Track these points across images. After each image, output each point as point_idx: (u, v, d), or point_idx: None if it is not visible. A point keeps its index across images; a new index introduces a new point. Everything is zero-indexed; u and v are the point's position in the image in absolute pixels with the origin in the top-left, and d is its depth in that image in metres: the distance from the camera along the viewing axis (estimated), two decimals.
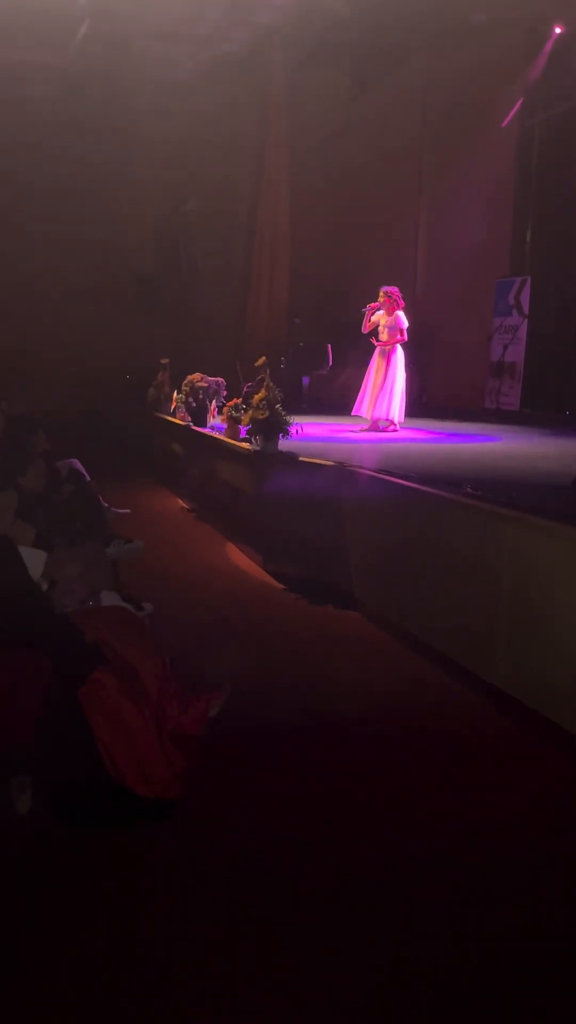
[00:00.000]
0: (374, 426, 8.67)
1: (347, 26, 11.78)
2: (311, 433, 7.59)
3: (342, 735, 3.56)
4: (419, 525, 4.66)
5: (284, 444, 6.32)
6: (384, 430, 8.63)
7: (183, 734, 2.84)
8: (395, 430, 8.68)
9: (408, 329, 8.69)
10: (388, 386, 8.63)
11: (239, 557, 6.42)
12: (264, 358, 6.48)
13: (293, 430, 6.33)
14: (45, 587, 3.31)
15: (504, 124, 11.62)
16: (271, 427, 6.22)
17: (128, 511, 6.71)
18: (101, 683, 2.67)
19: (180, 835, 2.74)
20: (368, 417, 8.72)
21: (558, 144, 11.32)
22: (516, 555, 3.79)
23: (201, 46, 12.27)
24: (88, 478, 5.88)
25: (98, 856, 2.62)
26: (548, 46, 11.12)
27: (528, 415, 10.82)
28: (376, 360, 8.77)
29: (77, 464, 5.96)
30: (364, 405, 8.76)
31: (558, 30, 10.96)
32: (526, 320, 11.30)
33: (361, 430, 8.70)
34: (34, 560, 3.34)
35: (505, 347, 11.34)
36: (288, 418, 6.29)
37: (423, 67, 12.43)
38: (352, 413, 8.95)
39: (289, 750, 3.39)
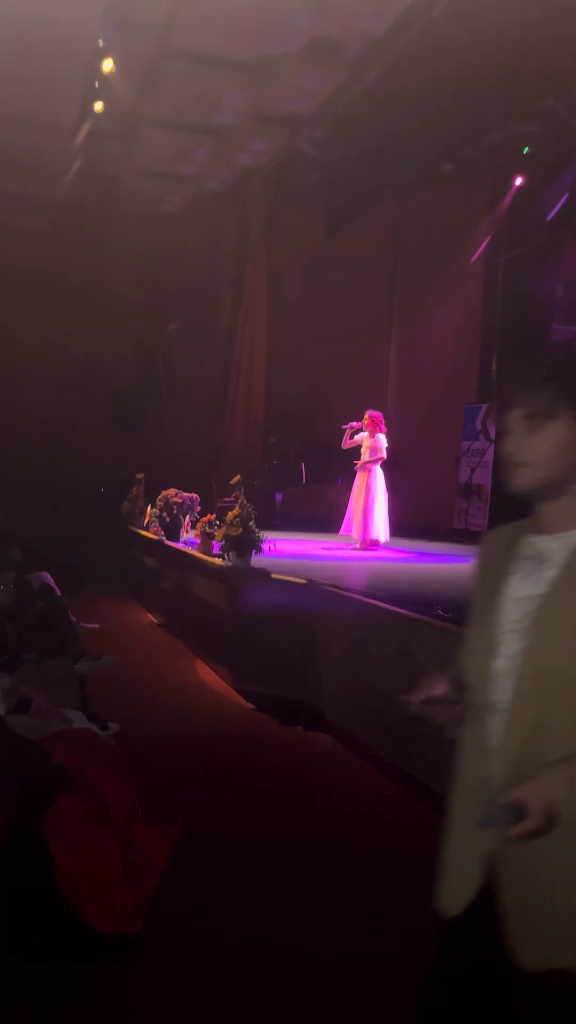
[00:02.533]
0: (364, 545, 8.82)
1: (322, 170, 12.59)
2: (284, 550, 7.66)
3: (310, 859, 3.45)
4: (389, 645, 4.66)
5: (257, 561, 6.35)
6: (366, 548, 8.78)
7: (149, 862, 2.74)
8: (376, 548, 8.83)
9: (388, 449, 9.00)
10: (369, 505, 8.85)
11: (208, 675, 6.34)
12: (239, 476, 6.61)
13: (266, 547, 6.38)
14: (3, 711, 3.22)
15: (472, 260, 12.34)
16: (244, 543, 6.26)
17: (96, 625, 6.64)
18: (66, 808, 2.59)
19: (144, 971, 2.60)
20: (357, 536, 8.89)
21: (521, 281, 11.99)
22: None
23: (186, 184, 13.01)
24: (59, 592, 5.85)
25: (53, 994, 2.48)
26: (509, 196, 11.95)
27: None
28: (358, 480, 9.03)
29: (48, 578, 5.93)
30: (352, 524, 8.95)
31: (519, 181, 11.82)
32: (492, 445, 11.66)
33: (351, 549, 8.84)
34: None
35: (472, 470, 11.64)
36: (261, 534, 6.35)
37: (393, 209, 13.25)
38: (340, 532, 9.13)
39: (257, 876, 3.28)
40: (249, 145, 12.01)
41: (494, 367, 12.72)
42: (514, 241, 12.17)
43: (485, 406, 12.12)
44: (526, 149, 11.54)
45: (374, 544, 8.81)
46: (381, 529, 8.83)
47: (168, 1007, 2.47)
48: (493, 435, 11.70)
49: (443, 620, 4.41)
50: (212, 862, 3.31)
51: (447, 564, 8.34)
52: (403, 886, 3.27)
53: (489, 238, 12.23)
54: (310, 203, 13.68)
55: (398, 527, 10.01)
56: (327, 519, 11.06)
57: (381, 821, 3.91)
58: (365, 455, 8.94)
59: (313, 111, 10.87)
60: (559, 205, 10.95)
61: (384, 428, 9.04)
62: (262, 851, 3.48)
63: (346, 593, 5.42)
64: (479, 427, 12.00)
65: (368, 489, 8.86)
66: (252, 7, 8.54)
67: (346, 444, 9.07)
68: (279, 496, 12.47)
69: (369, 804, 4.11)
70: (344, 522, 8.99)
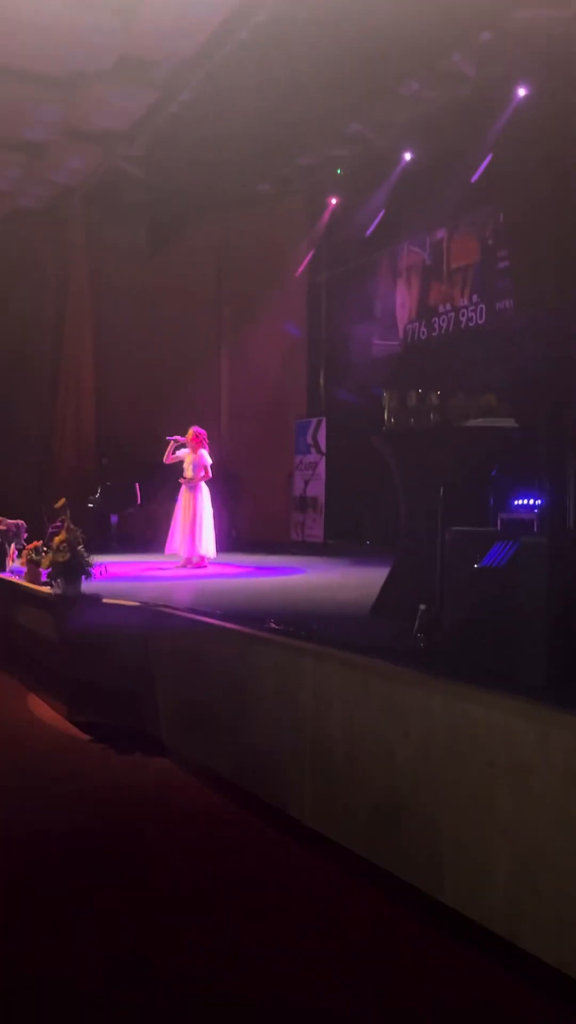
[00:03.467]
0: (188, 562, 8.68)
1: (143, 188, 12.51)
2: (118, 572, 7.46)
3: (151, 895, 3.33)
4: (224, 662, 4.61)
5: (88, 586, 6.14)
6: (196, 566, 8.66)
7: None
8: (205, 566, 8.73)
9: (212, 466, 8.92)
10: (197, 522, 8.73)
11: (41, 708, 6.06)
12: (64, 499, 6.36)
13: (96, 571, 6.18)
14: None
15: (297, 275, 12.62)
16: (72, 569, 6.04)
17: None
18: None
19: None
20: (181, 554, 8.73)
21: (342, 298, 12.38)
22: (316, 688, 3.82)
23: None
24: None
25: None
26: (326, 215, 12.35)
27: (331, 546, 11.26)
28: (183, 497, 8.88)
29: None
30: (176, 541, 8.78)
31: (333, 201, 12.22)
32: (324, 457, 11.94)
33: (176, 567, 8.67)
34: None
35: (306, 482, 11.89)
36: (91, 559, 6.15)
37: (216, 227, 13.35)
38: (165, 551, 8.94)
39: (92, 920, 3.12)
40: (64, 162, 11.77)
41: (322, 382, 13.07)
42: (335, 259, 12.58)
43: (315, 420, 12.42)
44: (339, 171, 11.95)
45: (201, 561, 8.74)
46: (210, 545, 8.78)
47: None
48: (324, 448, 11.98)
49: (275, 633, 4.42)
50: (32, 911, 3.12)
51: (280, 577, 8.42)
52: (245, 915, 3.21)
53: (312, 253, 12.58)
54: (133, 222, 13.54)
55: (237, 541, 10.06)
56: (164, 540, 10.90)
57: (219, 845, 3.84)
58: (188, 471, 8.87)
59: (128, 129, 10.78)
60: (376, 221, 11.41)
61: (207, 445, 9.02)
62: (93, 898, 3.32)
63: (179, 612, 5.34)
64: (310, 441, 12.28)
65: (195, 506, 8.79)
66: (59, 22, 8.38)
67: (168, 459, 8.98)
68: (114, 518, 12.19)
69: (207, 827, 4.03)
70: (168, 539, 8.85)
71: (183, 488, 8.89)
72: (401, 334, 11.46)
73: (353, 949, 2.95)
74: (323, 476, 11.89)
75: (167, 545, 8.86)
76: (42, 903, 3.23)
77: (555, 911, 2.66)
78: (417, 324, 11.19)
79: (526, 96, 9.12)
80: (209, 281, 13.90)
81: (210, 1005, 2.60)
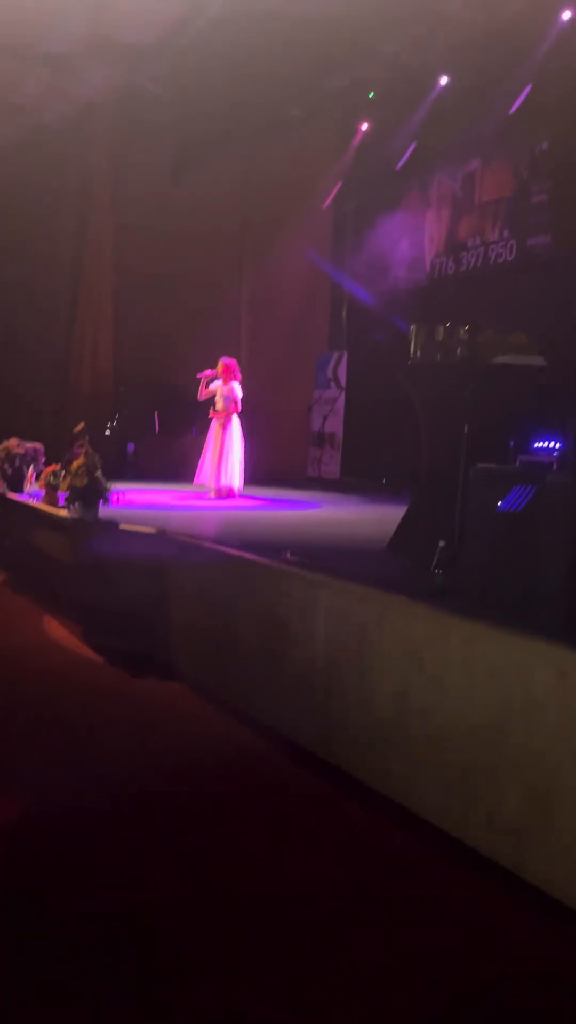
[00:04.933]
0: (219, 494, 8.72)
1: (168, 109, 12.11)
2: (134, 500, 7.48)
3: (163, 814, 3.39)
4: (238, 592, 4.62)
5: (105, 512, 6.15)
6: (222, 497, 8.70)
7: None
8: (234, 497, 8.77)
9: (242, 400, 8.90)
10: (225, 454, 8.75)
11: (57, 630, 6.12)
12: (82, 424, 6.35)
13: (113, 497, 6.19)
14: None
15: (325, 206, 12.27)
16: (90, 494, 6.06)
17: None
18: None
19: None
20: (211, 485, 8.77)
21: (369, 230, 12.03)
22: (331, 621, 3.82)
23: (19, 115, 12.20)
24: None
25: None
26: (356, 140, 11.93)
27: (347, 483, 11.20)
28: (214, 429, 8.91)
29: None
30: (205, 473, 8.82)
31: (364, 127, 11.80)
32: (343, 393, 11.79)
33: (208, 498, 8.72)
34: None
35: (324, 418, 11.76)
36: (108, 484, 6.16)
37: (242, 152, 12.94)
38: (194, 482, 8.98)
39: (109, 840, 3.17)
40: (87, 77, 11.38)
41: (344, 316, 12.82)
42: (362, 188, 12.19)
43: (336, 354, 12.23)
44: (371, 94, 11.51)
45: (229, 493, 8.75)
46: (236, 477, 8.79)
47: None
48: (344, 383, 11.82)
49: (291, 564, 4.41)
50: (56, 831, 3.17)
51: (296, 511, 8.41)
52: (257, 842, 3.27)
53: (340, 184, 12.20)
54: (157, 144, 13.13)
55: (253, 476, 9.99)
56: (181, 469, 10.86)
57: (230, 771, 3.89)
58: (219, 404, 8.83)
59: (153, 44, 10.38)
60: (407, 154, 11.02)
61: (239, 376, 8.94)
62: (110, 817, 3.37)
63: (195, 541, 5.34)
64: (330, 376, 12.11)
65: (224, 438, 8.77)
66: None
67: (202, 395, 8.93)
68: (131, 446, 12.15)
69: (218, 752, 4.08)
70: (198, 471, 8.86)
71: (213, 420, 8.89)
72: (428, 268, 11.19)
73: (353, 863, 3.01)
74: (342, 412, 11.75)
75: (196, 475, 8.90)
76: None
77: (564, 844, 2.68)
78: (445, 258, 10.91)
79: (571, 20, 8.69)
80: (232, 208, 13.53)
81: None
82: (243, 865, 3.00)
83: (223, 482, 8.70)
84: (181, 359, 12.47)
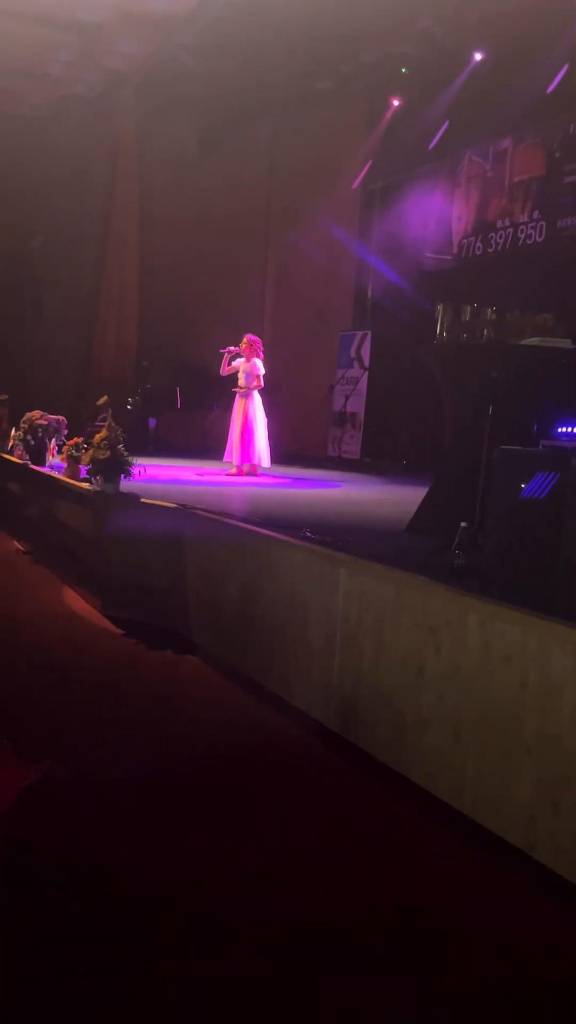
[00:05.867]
0: (242, 470, 8.74)
1: (197, 81, 12.01)
2: (155, 475, 7.49)
3: (182, 787, 3.42)
4: (257, 567, 4.63)
5: (126, 485, 6.17)
6: (243, 473, 8.73)
7: None
8: (255, 474, 8.79)
9: (264, 376, 8.88)
10: (247, 431, 8.76)
11: (76, 601, 6.18)
12: (105, 397, 6.37)
13: (136, 471, 6.20)
14: None
15: (354, 186, 12.14)
16: (112, 467, 6.06)
17: None
18: None
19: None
20: (233, 462, 8.81)
21: (396, 205, 11.90)
22: (349, 599, 3.82)
23: (50, 85, 12.15)
24: None
25: None
26: (387, 116, 11.77)
27: (368, 463, 11.17)
28: (237, 406, 8.92)
29: None
30: (232, 450, 8.85)
31: (396, 103, 11.64)
32: (366, 373, 11.72)
33: (227, 474, 8.73)
34: None
35: (347, 398, 11.70)
36: (130, 459, 6.17)
37: (271, 127, 12.83)
38: (224, 459, 9.03)
39: (126, 809, 3.20)
40: (118, 47, 11.30)
41: (370, 295, 12.72)
42: (391, 166, 12.05)
43: (360, 334, 12.15)
44: (404, 70, 11.34)
45: (252, 470, 8.78)
46: (264, 454, 8.83)
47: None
48: (367, 363, 11.75)
49: (311, 541, 4.41)
50: (72, 801, 3.20)
51: (316, 489, 8.40)
52: (277, 817, 3.29)
53: (369, 165, 12.05)
54: (185, 116, 13.06)
55: (273, 454, 9.98)
56: (202, 446, 10.91)
57: (252, 749, 3.92)
58: (241, 380, 8.83)
59: (186, 13, 10.28)
60: (440, 133, 10.87)
61: (261, 353, 8.93)
62: (125, 789, 3.40)
63: (214, 516, 5.35)
64: (353, 355, 12.04)
65: (246, 414, 8.78)
66: None
67: (224, 370, 8.91)
68: (152, 422, 12.19)
69: (239, 730, 4.11)
70: (227, 448, 8.92)
71: (237, 396, 8.91)
72: (455, 248, 11.07)
73: (362, 839, 3.04)
74: (364, 392, 11.69)
75: (227, 453, 8.94)
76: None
77: (574, 827, 2.69)
78: (473, 239, 10.79)
79: None
80: (259, 183, 13.45)
81: None
82: (257, 844, 3.03)
83: (251, 459, 8.75)
84: (204, 336, 12.45)
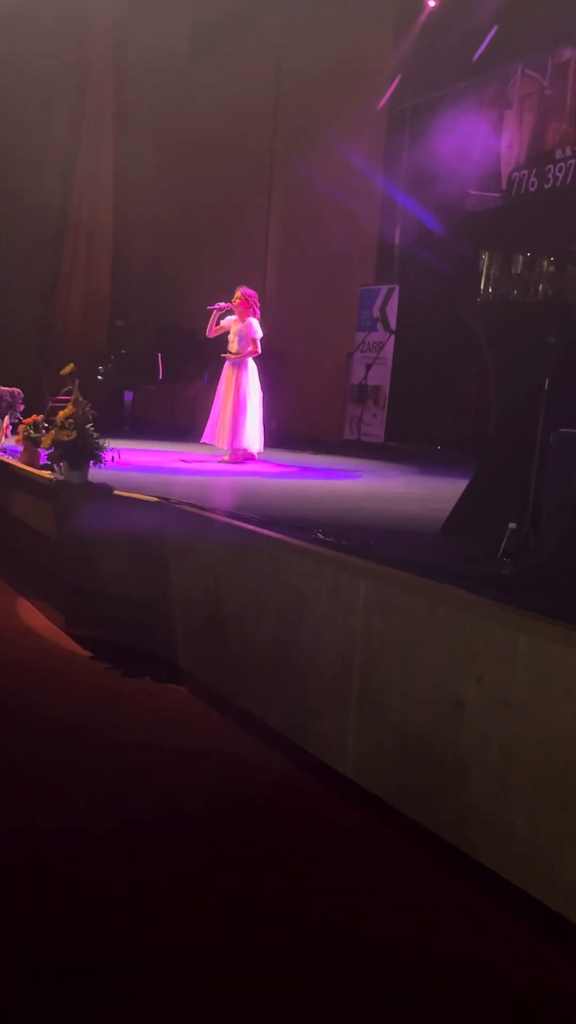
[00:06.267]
0: (234, 456, 8.68)
1: None
2: (132, 461, 7.54)
3: (166, 844, 3.45)
4: (260, 577, 4.66)
5: (96, 474, 6.22)
6: (236, 461, 8.67)
7: None
8: (244, 461, 8.74)
9: (262, 340, 8.80)
10: (241, 409, 8.67)
11: (34, 617, 6.23)
12: (72, 365, 6.37)
13: (108, 456, 6.25)
14: None
15: (380, 106, 12.14)
16: (79, 452, 6.10)
17: None
18: None
19: None
20: (224, 447, 8.73)
21: (431, 131, 11.88)
22: (371, 616, 3.84)
23: None
24: None
25: None
26: (422, 18, 11.74)
27: (394, 448, 11.20)
28: (226, 376, 8.80)
29: None
30: (216, 431, 8.75)
31: (432, 2, 11.61)
32: (393, 337, 11.74)
33: (219, 462, 8.70)
34: None
35: (368, 368, 11.72)
36: (102, 441, 6.21)
37: (278, 25, 12.79)
38: (201, 440, 8.95)
39: (98, 872, 3.23)
40: None
41: (397, 240, 12.74)
42: (425, 81, 12.05)
43: (385, 289, 12.18)
44: None
45: (246, 456, 8.75)
46: (254, 438, 8.76)
47: None
48: (394, 325, 11.77)
49: (324, 545, 4.43)
50: (33, 862, 3.23)
51: (330, 481, 8.43)
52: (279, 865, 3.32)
53: (399, 79, 12.05)
54: (172, 12, 13.03)
55: (276, 437, 10.02)
56: (189, 425, 10.91)
57: (249, 796, 3.94)
58: (232, 344, 8.75)
59: None
60: (487, 40, 10.84)
61: (258, 312, 8.89)
62: (101, 844, 3.44)
63: (206, 514, 5.38)
64: (377, 315, 12.06)
65: (238, 388, 8.73)
66: None
67: (211, 331, 8.87)
68: (128, 395, 12.23)
69: (234, 774, 4.14)
70: (207, 428, 8.85)
71: (226, 365, 8.81)
72: (504, 184, 11.10)
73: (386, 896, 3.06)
74: (390, 361, 11.71)
75: (204, 433, 8.85)
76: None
77: None
78: (526, 172, 10.81)
79: None
80: (263, 98, 13.43)
81: None
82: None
83: (239, 442, 8.68)
84: (193, 290, 12.48)
